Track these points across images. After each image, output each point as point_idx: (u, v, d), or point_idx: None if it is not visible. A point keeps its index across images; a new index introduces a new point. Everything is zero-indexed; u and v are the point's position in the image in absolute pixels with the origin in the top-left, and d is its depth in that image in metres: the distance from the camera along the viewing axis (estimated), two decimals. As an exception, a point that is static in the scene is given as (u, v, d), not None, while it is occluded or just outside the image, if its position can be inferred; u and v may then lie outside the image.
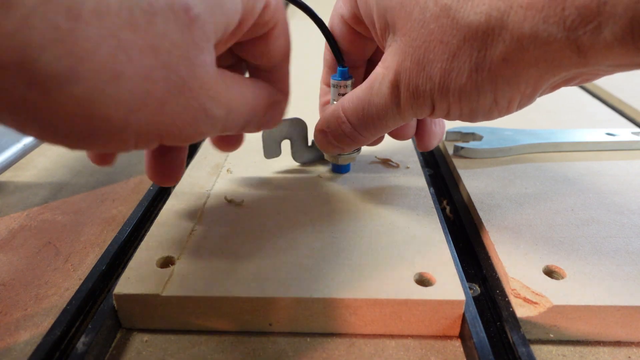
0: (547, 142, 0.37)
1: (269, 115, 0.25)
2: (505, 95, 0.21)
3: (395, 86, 0.24)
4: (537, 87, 0.21)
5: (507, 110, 0.22)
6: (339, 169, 0.34)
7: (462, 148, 0.36)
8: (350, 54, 0.30)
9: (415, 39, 0.22)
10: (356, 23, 0.27)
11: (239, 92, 0.21)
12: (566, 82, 0.22)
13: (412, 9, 0.22)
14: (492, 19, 0.19)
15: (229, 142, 0.27)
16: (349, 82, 0.30)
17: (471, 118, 0.23)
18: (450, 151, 0.37)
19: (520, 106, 0.22)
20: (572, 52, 0.18)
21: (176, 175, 0.26)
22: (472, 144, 0.37)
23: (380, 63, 0.25)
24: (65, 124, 0.16)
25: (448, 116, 0.24)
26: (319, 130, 0.29)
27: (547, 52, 0.19)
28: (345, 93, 0.30)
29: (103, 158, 0.24)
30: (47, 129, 0.16)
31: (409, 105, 0.24)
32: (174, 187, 0.34)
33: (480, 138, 0.38)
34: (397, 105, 0.24)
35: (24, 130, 0.16)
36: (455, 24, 0.21)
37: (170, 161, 0.25)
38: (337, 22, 0.29)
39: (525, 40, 0.19)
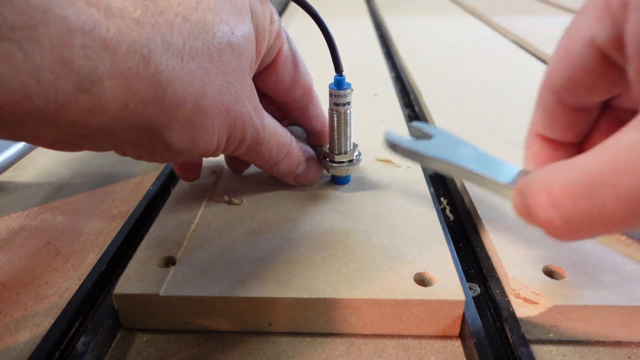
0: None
1: (304, 168, 0.31)
2: None
3: None
4: None
5: None
6: (339, 181, 0.33)
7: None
8: (591, 91, 0.20)
9: None
10: (616, 48, 0.18)
11: (271, 120, 0.28)
12: None
13: None
14: None
15: (189, 169, 0.31)
16: (347, 92, 0.29)
17: None
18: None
19: None
20: None
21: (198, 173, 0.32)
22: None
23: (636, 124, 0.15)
24: (181, 136, 0.22)
25: None
26: (518, 203, 0.19)
27: None
28: (342, 103, 0.29)
29: (191, 172, 0.31)
30: (170, 145, 0.22)
31: None
32: (174, 187, 0.34)
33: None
34: None
35: (144, 156, 0.23)
36: None
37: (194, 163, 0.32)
38: (580, 48, 0.19)
39: None
